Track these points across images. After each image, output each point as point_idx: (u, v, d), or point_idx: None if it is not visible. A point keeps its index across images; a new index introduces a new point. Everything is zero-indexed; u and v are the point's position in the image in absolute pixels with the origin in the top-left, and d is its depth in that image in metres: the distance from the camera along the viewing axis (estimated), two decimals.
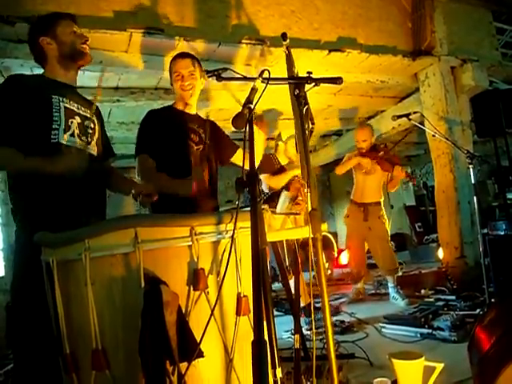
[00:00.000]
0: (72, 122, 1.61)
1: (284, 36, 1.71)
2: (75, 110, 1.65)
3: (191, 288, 1.18)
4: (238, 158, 2.33)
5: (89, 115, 1.72)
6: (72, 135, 1.60)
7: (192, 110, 2.20)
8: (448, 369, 1.74)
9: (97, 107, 1.88)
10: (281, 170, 3.48)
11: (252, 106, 1.34)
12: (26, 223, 1.52)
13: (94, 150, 1.71)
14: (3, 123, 1.52)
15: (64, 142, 1.57)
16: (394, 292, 3.85)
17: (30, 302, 1.40)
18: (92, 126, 1.72)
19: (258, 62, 3.54)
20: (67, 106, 1.62)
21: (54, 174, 1.47)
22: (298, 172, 3.19)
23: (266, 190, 3.45)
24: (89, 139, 1.68)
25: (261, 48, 3.36)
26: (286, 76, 1.69)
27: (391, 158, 3.84)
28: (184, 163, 2.07)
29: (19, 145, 1.52)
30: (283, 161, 3.58)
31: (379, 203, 4.01)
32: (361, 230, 3.98)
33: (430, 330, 2.62)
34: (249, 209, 1.15)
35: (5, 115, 1.52)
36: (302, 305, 3.09)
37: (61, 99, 1.61)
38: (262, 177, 3.44)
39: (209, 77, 1.76)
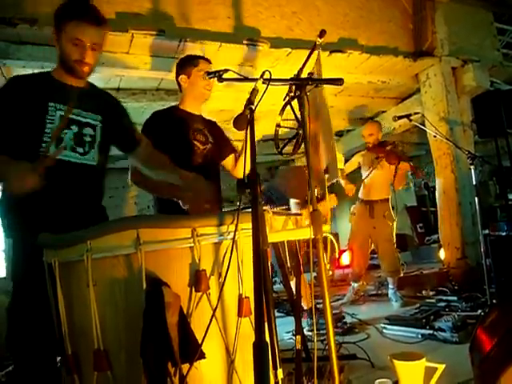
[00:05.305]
0: (66, 134, 1.53)
1: (322, 33, 1.67)
2: (74, 117, 1.56)
3: (193, 289, 1.18)
4: (228, 161, 2.33)
5: (90, 120, 1.62)
6: (65, 148, 1.52)
7: (198, 111, 2.22)
8: (449, 370, 1.74)
9: (109, 103, 1.75)
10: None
11: (253, 107, 1.34)
12: (25, 225, 1.50)
13: (92, 159, 1.61)
14: None
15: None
16: (392, 293, 3.84)
17: (32, 303, 1.40)
18: (92, 132, 1.61)
19: (259, 63, 3.54)
20: (64, 114, 1.52)
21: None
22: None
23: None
24: (86, 149, 1.58)
25: (262, 49, 3.37)
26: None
27: (398, 153, 3.77)
28: (190, 164, 2.07)
29: (8, 152, 1.45)
30: None
31: (386, 200, 3.96)
32: (366, 228, 3.94)
33: (432, 331, 2.62)
34: (250, 210, 1.15)
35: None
36: (304, 307, 3.08)
37: (58, 107, 1.52)
38: (293, 202, 3.23)
39: (210, 78, 1.76)
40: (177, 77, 2.22)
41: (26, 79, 1.59)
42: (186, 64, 2.17)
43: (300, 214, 1.95)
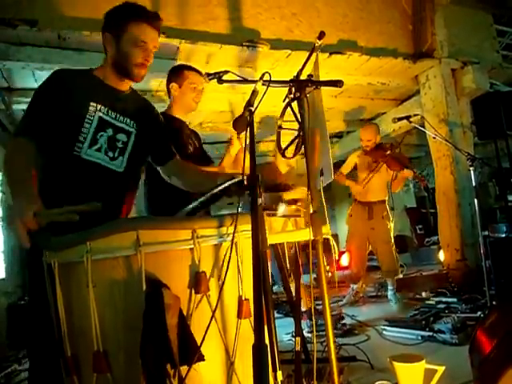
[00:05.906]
0: (101, 136, 1.49)
1: (321, 35, 1.68)
2: (111, 120, 1.52)
3: (192, 291, 1.18)
4: None
5: (126, 126, 1.57)
6: (98, 150, 1.49)
7: (184, 119, 2.32)
8: (449, 372, 1.74)
9: (147, 111, 1.68)
10: (282, 186, 3.37)
11: (253, 109, 1.34)
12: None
13: (120, 166, 1.55)
14: (33, 116, 1.43)
15: (84, 157, 1.47)
16: (391, 295, 3.85)
17: (39, 304, 1.40)
18: (125, 139, 1.56)
19: (259, 65, 3.55)
20: (103, 116, 1.50)
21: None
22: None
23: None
24: (116, 154, 1.53)
25: (262, 50, 3.37)
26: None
27: (399, 158, 3.76)
28: None
29: (44, 150, 1.43)
30: (283, 169, 3.51)
31: (384, 201, 3.98)
32: (364, 229, 3.95)
33: (431, 333, 2.62)
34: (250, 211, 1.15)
35: (38, 110, 1.43)
36: (303, 309, 3.08)
37: (99, 108, 1.49)
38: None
39: (210, 79, 1.75)
40: (168, 83, 2.30)
41: (71, 74, 1.52)
42: (179, 73, 2.27)
43: (299, 216, 1.95)
